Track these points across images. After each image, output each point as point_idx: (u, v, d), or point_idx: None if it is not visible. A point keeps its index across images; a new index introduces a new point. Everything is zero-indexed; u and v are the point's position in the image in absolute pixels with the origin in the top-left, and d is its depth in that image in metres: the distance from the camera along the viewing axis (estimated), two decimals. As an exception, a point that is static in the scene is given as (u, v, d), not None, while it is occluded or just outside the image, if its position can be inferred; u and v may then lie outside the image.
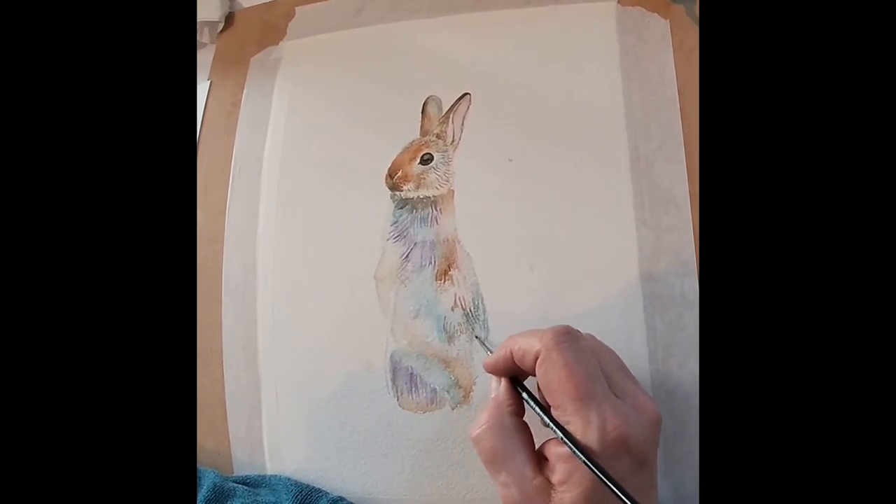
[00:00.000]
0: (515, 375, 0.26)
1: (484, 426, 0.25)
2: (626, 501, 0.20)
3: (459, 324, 0.33)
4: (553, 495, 0.22)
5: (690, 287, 0.31)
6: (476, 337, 0.32)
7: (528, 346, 0.24)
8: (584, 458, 0.21)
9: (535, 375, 0.25)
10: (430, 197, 0.34)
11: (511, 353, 0.25)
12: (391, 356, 0.33)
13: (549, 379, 0.23)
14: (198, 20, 0.41)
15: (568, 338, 0.24)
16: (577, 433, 0.22)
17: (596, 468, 0.21)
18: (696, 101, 0.33)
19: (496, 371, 0.26)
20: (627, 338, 0.31)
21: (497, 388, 0.26)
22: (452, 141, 0.35)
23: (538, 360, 0.24)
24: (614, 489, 0.21)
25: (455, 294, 0.33)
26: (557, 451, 0.23)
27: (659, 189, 0.32)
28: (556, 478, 0.23)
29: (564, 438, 0.22)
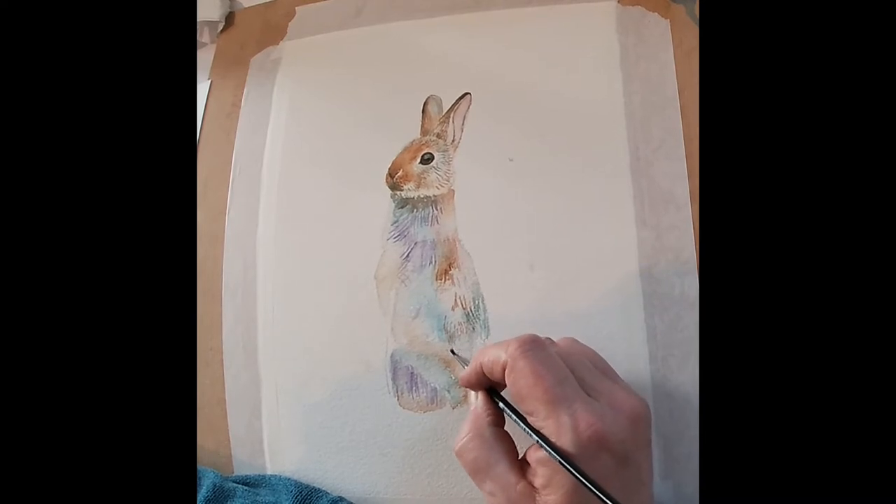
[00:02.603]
0: (492, 387, 0.27)
1: (465, 439, 0.25)
2: (605, 500, 0.20)
3: (460, 323, 0.33)
4: (538, 499, 0.23)
5: (690, 287, 0.31)
6: (452, 351, 0.32)
7: (495, 357, 0.25)
8: (560, 458, 0.22)
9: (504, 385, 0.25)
10: (430, 196, 0.34)
11: (481, 367, 0.26)
12: (391, 356, 0.33)
13: (518, 387, 0.24)
14: (198, 20, 0.41)
15: (533, 345, 0.24)
16: (552, 436, 0.22)
17: (573, 468, 0.21)
18: (696, 101, 0.33)
19: (471, 385, 0.27)
20: (627, 338, 0.31)
21: (475, 401, 0.27)
22: (453, 140, 0.35)
23: (506, 371, 0.24)
24: (591, 488, 0.21)
25: (455, 293, 0.33)
26: (537, 456, 0.23)
27: (659, 188, 0.32)
28: (538, 482, 0.23)
29: (540, 442, 0.23)
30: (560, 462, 0.22)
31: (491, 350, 0.25)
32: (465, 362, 0.30)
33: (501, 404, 0.26)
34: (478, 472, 0.25)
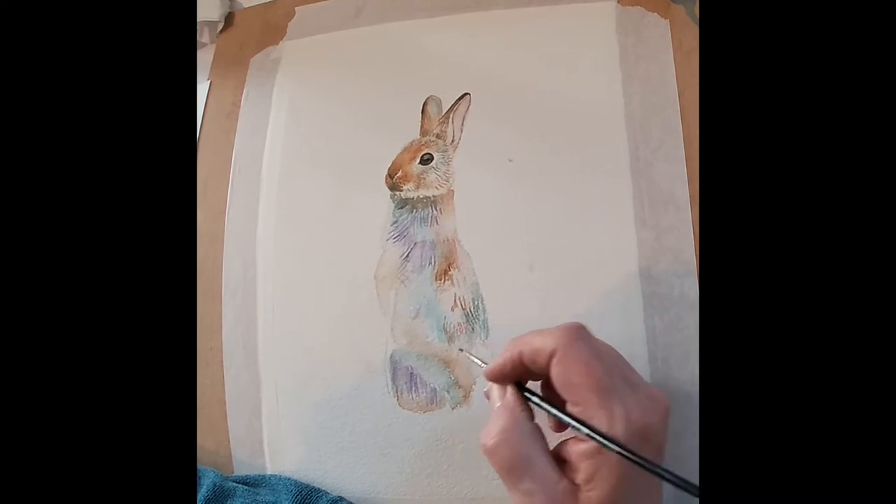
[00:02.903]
0: (518, 381, 0.26)
1: (501, 435, 0.24)
2: (679, 484, 0.20)
3: (459, 324, 0.33)
4: (579, 496, 0.22)
5: (690, 287, 0.31)
6: (461, 350, 0.32)
7: (541, 345, 0.24)
8: (618, 448, 0.21)
9: (543, 375, 0.24)
10: (429, 197, 0.34)
11: (520, 355, 0.25)
12: (391, 356, 0.33)
13: (569, 375, 0.23)
14: (198, 20, 0.41)
15: (582, 333, 0.24)
16: (603, 426, 0.22)
17: (635, 456, 0.21)
18: (695, 102, 0.33)
19: (503, 377, 0.26)
20: (627, 338, 0.31)
21: (502, 396, 0.25)
22: (452, 141, 0.35)
23: (555, 358, 0.23)
24: (658, 472, 0.20)
25: (455, 294, 0.33)
26: (579, 450, 0.22)
27: (658, 189, 0.32)
28: (580, 477, 0.22)
29: (591, 433, 0.22)
30: (618, 451, 0.21)
31: (534, 338, 0.24)
32: (480, 360, 0.29)
33: (536, 399, 0.25)
34: (515, 470, 0.23)
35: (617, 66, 0.34)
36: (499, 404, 0.25)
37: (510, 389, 0.25)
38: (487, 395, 0.26)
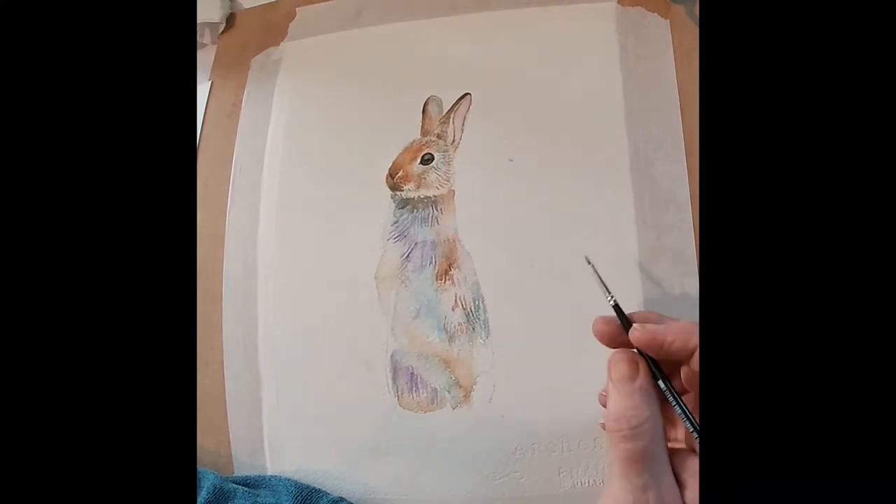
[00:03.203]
0: (655, 362, 0.23)
1: (646, 423, 0.21)
2: None
3: (460, 324, 0.33)
4: None
5: (691, 287, 0.31)
6: (589, 262, 0.27)
7: None
8: None
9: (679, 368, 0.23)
10: (430, 197, 0.34)
11: (695, 348, 0.22)
12: (392, 356, 0.33)
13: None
14: (198, 21, 0.41)
15: None
16: None
17: None
18: (696, 101, 0.33)
19: (661, 350, 0.23)
20: (628, 337, 0.31)
21: (633, 372, 0.23)
22: (453, 141, 0.35)
23: None
24: None
25: (455, 294, 0.33)
26: (693, 466, 0.21)
27: (659, 188, 0.32)
28: (688, 495, 0.21)
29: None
30: None
31: None
32: (606, 289, 0.26)
33: (669, 391, 0.22)
34: (643, 461, 0.21)
35: (617, 66, 0.34)
36: (630, 382, 0.22)
37: (644, 370, 0.23)
38: (600, 333, 0.24)
